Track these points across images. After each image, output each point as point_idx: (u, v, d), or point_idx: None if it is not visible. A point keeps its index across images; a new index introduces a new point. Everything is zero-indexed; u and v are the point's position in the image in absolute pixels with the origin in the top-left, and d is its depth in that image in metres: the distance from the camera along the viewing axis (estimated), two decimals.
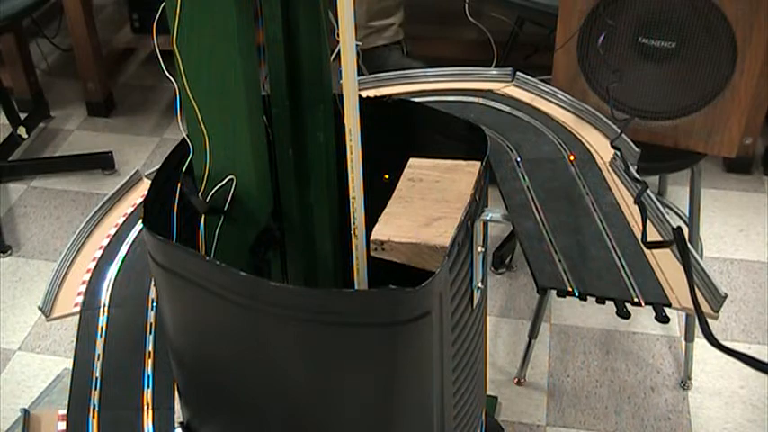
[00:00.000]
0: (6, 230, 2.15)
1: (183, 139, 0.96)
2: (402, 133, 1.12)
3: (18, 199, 2.28)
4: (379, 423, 0.91)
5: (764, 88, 1.41)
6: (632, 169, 1.20)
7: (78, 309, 1.12)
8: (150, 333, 1.08)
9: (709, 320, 0.88)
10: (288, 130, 1.05)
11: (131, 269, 1.17)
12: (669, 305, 1.00)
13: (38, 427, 1.02)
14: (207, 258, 0.91)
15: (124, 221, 1.24)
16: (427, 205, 0.94)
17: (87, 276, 1.16)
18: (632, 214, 1.14)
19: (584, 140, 1.31)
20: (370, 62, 2.35)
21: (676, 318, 1.84)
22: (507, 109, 1.39)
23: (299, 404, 0.91)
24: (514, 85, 1.46)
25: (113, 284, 1.15)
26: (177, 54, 0.89)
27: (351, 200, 0.93)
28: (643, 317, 1.85)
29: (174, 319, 0.95)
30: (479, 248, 0.96)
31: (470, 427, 1.07)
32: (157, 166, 1.00)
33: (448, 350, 0.91)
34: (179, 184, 0.98)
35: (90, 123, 2.58)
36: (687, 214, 1.75)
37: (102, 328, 1.09)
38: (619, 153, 1.25)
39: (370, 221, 0.93)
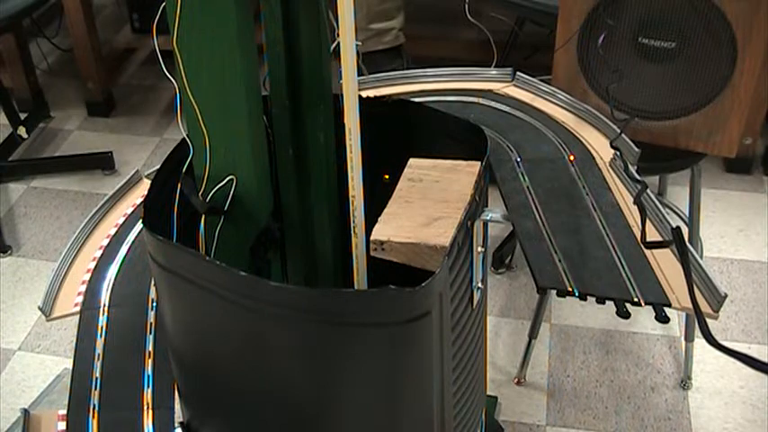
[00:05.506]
0: (6, 230, 2.15)
1: (183, 139, 0.96)
2: (402, 133, 1.12)
3: (18, 199, 2.28)
4: (379, 423, 0.91)
5: (764, 88, 1.41)
6: (632, 169, 1.20)
7: (78, 309, 1.12)
8: (150, 333, 1.08)
9: (709, 320, 0.88)
10: (288, 130, 1.05)
11: (131, 269, 1.17)
12: (669, 305, 1.00)
13: (38, 427, 1.02)
14: (207, 258, 0.91)
15: (124, 221, 1.24)
16: (427, 205, 0.94)
17: (87, 276, 1.16)
18: (632, 214, 1.14)
19: (584, 140, 1.31)
20: (369, 69, 2.34)
21: (676, 318, 1.84)
22: (507, 109, 1.39)
23: (299, 404, 0.91)
24: (514, 85, 1.46)
25: (113, 284, 1.15)
26: (177, 54, 0.89)
27: (351, 199, 0.93)
28: (643, 317, 1.85)
29: (174, 319, 0.95)
30: (479, 248, 0.96)
31: (470, 427, 1.07)
32: (157, 166, 1.00)
33: (448, 350, 0.91)
34: (179, 184, 0.98)
35: (90, 123, 2.58)
36: (687, 214, 1.75)
37: (102, 327, 1.09)
38: (619, 153, 1.25)
39: (370, 221, 0.93)
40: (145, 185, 1.29)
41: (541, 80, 1.44)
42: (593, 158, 1.26)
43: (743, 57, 1.36)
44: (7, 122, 2.39)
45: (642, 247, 1.06)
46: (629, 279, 1.03)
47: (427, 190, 0.96)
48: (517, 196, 1.18)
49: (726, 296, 0.97)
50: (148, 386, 1.02)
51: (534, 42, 2.37)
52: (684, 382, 1.70)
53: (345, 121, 0.89)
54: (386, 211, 0.94)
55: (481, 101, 1.41)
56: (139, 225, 1.21)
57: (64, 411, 1.00)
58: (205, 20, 0.86)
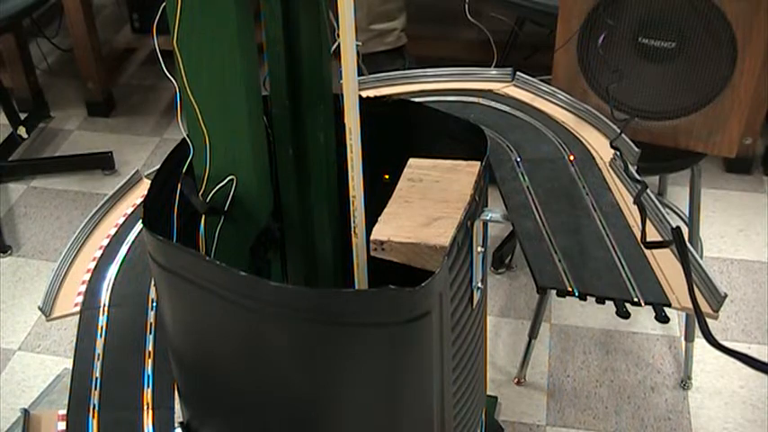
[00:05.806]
0: (6, 230, 2.15)
1: (183, 139, 0.96)
2: (402, 133, 1.12)
3: (18, 199, 2.28)
4: (379, 423, 0.91)
5: (764, 88, 1.41)
6: (632, 169, 1.20)
7: (78, 309, 1.12)
8: (150, 333, 1.08)
9: (709, 320, 0.88)
10: (288, 130, 1.05)
11: (131, 269, 1.17)
12: (669, 305, 1.00)
13: (38, 427, 1.02)
14: (207, 258, 0.91)
15: (124, 221, 1.24)
16: (427, 205, 0.94)
17: (87, 276, 1.16)
18: (632, 214, 1.14)
19: (584, 140, 1.31)
20: (370, 69, 2.34)
21: (676, 318, 1.84)
22: (507, 109, 1.39)
23: (299, 404, 0.91)
24: (514, 85, 1.46)
25: (113, 284, 1.15)
26: (177, 54, 0.89)
27: (351, 199, 0.93)
28: (643, 317, 1.85)
29: (174, 319, 0.95)
30: (479, 248, 0.96)
31: (470, 427, 1.07)
32: (157, 166, 1.00)
33: (448, 350, 0.91)
34: (179, 184, 0.98)
35: (90, 123, 2.58)
36: (687, 214, 1.75)
37: (102, 327, 1.09)
38: (619, 153, 1.25)
39: (370, 221, 0.93)
40: (145, 185, 1.29)
41: (541, 80, 1.44)
42: (593, 158, 1.26)
43: (743, 57, 1.36)
44: (7, 122, 2.39)
45: (642, 247, 1.06)
46: (629, 279, 1.03)
47: (427, 190, 0.96)
48: (517, 196, 1.18)
49: (726, 296, 0.97)
50: (148, 386, 1.02)
51: (534, 42, 2.37)
52: (684, 382, 1.70)
53: (345, 120, 0.89)
54: (386, 211, 0.94)
55: (481, 101, 1.41)
56: (139, 225, 1.21)
57: (64, 411, 1.00)
58: (205, 20, 0.86)
